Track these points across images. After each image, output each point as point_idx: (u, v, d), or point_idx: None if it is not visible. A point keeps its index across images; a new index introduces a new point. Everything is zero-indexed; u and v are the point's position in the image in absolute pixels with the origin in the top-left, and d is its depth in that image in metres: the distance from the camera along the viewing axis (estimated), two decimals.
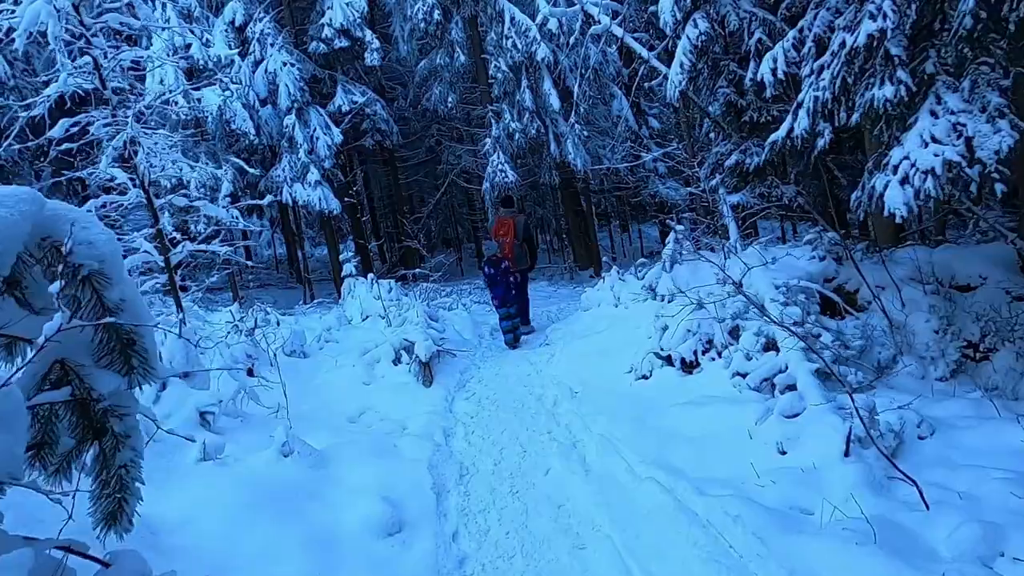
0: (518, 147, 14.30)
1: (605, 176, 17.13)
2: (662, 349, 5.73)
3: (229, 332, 8.14)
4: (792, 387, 4.36)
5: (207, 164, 12.51)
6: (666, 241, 7.23)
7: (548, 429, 5.37)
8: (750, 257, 6.00)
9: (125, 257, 6.05)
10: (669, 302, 6.55)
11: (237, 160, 12.65)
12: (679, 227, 7.11)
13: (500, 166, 14.07)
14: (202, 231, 7.04)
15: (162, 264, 6.40)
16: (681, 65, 8.56)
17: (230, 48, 13.62)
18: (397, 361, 7.64)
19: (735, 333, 5.30)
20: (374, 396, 6.86)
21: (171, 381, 5.17)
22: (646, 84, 10.69)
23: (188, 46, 12.78)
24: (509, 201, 9.55)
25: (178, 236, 6.93)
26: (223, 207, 12.62)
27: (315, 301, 14.59)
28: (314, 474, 4.42)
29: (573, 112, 12.27)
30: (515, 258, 8.70)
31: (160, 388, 5.11)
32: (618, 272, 8.02)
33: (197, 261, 8.55)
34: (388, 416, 6.37)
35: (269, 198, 9.11)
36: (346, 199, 16.11)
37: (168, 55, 11.89)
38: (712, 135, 10.05)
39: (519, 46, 13.62)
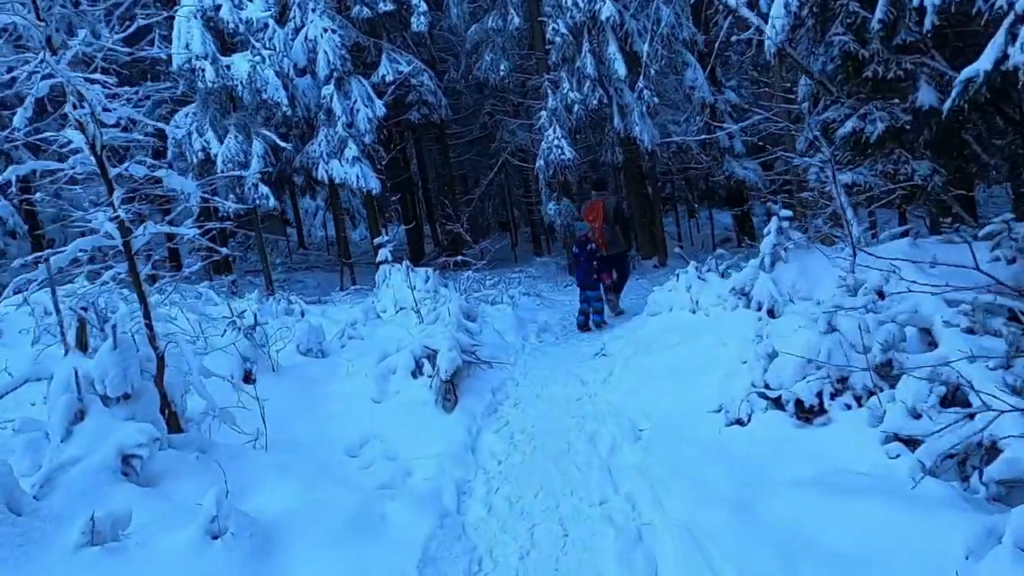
0: (577, 120, 12.51)
1: (673, 155, 15.12)
2: (768, 386, 3.97)
3: (224, 331, 6.80)
4: (1014, 484, 2.56)
5: (236, 137, 11.29)
6: (764, 232, 5.40)
7: (602, 496, 3.71)
8: (889, 253, 4.12)
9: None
10: (771, 314, 4.75)
11: (269, 133, 11.38)
12: (784, 212, 5.26)
13: (556, 142, 12.33)
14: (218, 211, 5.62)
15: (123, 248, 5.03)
16: (786, 6, 6.62)
17: (267, 11, 12.32)
18: (417, 372, 6.13)
19: (886, 371, 3.49)
20: (383, 419, 5.36)
21: (92, 409, 3.78)
22: (733, 39, 8.72)
23: (218, 7, 11.53)
24: (601, 184, 9.15)
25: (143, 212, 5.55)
26: (252, 183, 11.39)
27: (353, 287, 13.31)
28: (248, 571, 2.94)
29: (642, 77, 10.38)
30: (607, 242, 8.23)
31: (75, 419, 3.73)
32: (697, 269, 6.23)
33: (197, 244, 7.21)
34: (394, 450, 4.85)
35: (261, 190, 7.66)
36: (385, 178, 14.75)
37: (194, 16, 10.67)
38: (813, 102, 8.03)
39: (580, 5, 11.78)
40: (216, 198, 5.60)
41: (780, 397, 3.88)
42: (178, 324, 6.77)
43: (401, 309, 9.76)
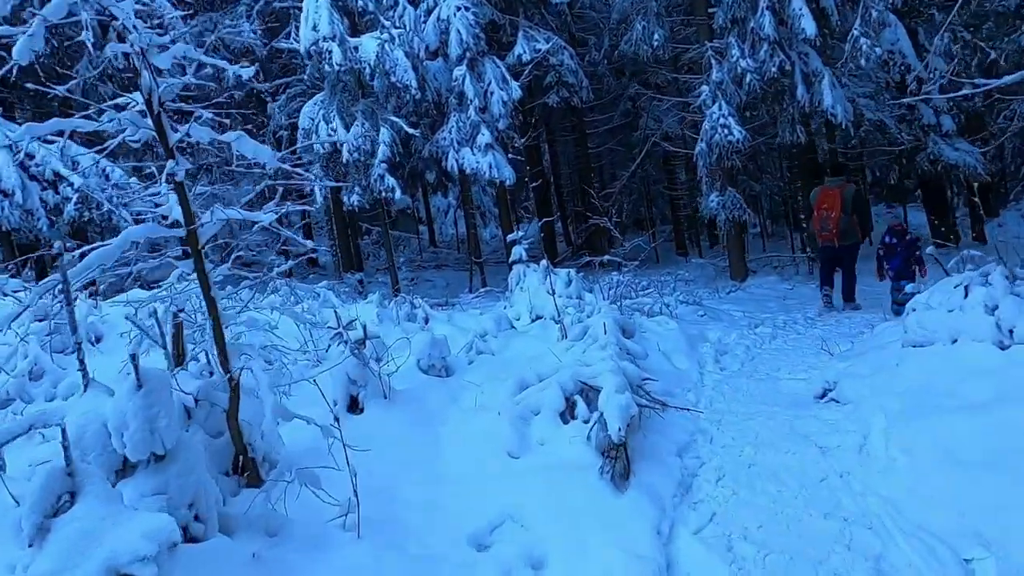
0: (749, 93, 10.21)
1: (866, 136, 12.28)
2: None
3: (329, 344, 5.44)
4: None
5: (363, 125, 10.19)
6: None
7: None
8: None
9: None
10: None
11: (397, 119, 10.17)
12: None
13: (722, 120, 10.11)
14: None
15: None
16: None
17: None
18: (568, 415, 4.39)
19: None
20: (524, 487, 3.66)
21: (85, 490, 2.37)
22: None
23: None
24: (838, 168, 8.33)
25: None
26: (379, 174, 10.21)
27: (483, 289, 11.88)
28: None
29: (859, 20, 7.90)
30: (841, 233, 7.68)
31: (58, 506, 2.34)
32: (1008, 278, 3.94)
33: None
34: (540, 547, 3.14)
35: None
36: (525, 168, 13.19)
37: None
38: None
39: None
40: (308, 175, 4.13)
41: None
42: (278, 335, 5.53)
43: (539, 318, 8.10)
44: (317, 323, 5.53)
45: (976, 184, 10.23)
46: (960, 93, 6.49)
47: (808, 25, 9.58)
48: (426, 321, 8.18)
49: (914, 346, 4.33)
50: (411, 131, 9.89)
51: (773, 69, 9.85)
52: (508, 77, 11.77)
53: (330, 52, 9.98)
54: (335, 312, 5.17)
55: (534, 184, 12.45)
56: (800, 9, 9.67)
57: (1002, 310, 3.79)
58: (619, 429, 3.51)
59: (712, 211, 10.87)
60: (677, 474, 3.69)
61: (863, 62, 9.21)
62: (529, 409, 4.45)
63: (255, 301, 6.13)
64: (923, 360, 4.12)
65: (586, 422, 4.25)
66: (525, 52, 12.13)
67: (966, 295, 4.08)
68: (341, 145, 10.06)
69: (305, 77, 11.26)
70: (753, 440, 4.06)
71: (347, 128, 10.17)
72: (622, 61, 14.43)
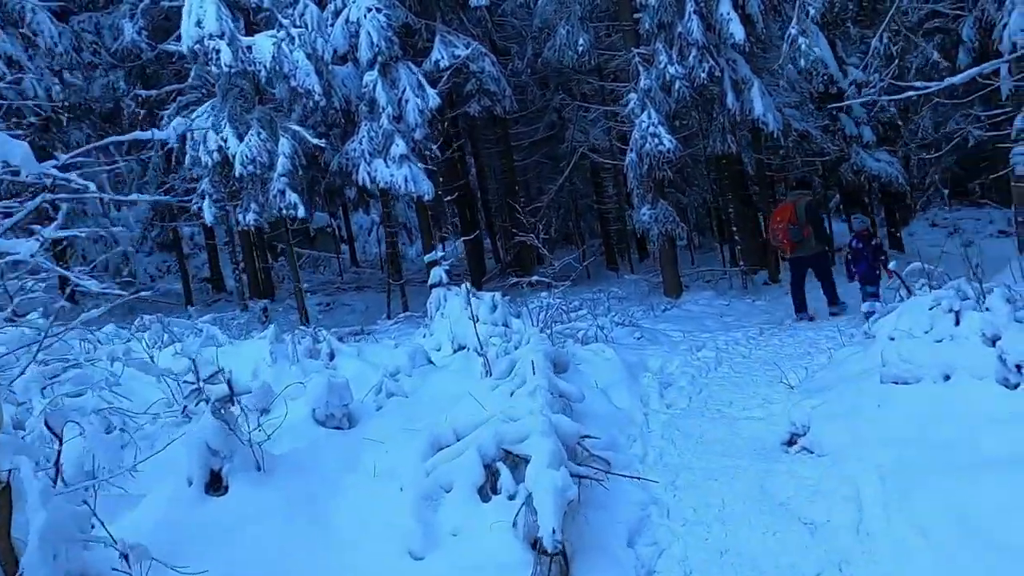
0: (679, 101, 9.66)
1: (794, 145, 12.04)
2: None
3: (188, 402, 4.26)
4: None
5: (259, 134, 8.97)
6: None
7: None
8: None
9: None
10: None
11: (298, 128, 9.01)
12: None
13: (652, 129, 9.50)
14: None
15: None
16: None
17: None
18: (489, 489, 3.43)
19: None
20: None
21: None
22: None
23: None
24: (804, 183, 8.77)
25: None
26: (279, 189, 8.99)
27: (404, 314, 10.78)
28: None
29: (795, 21, 7.42)
30: (793, 243, 7.79)
31: None
32: (1010, 300, 3.28)
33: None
34: None
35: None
36: (449, 182, 12.24)
37: None
38: None
39: None
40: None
41: None
42: (120, 393, 4.32)
43: (461, 348, 7.14)
44: (168, 374, 4.33)
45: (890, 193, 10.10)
46: (903, 96, 6.04)
47: (736, 30, 9.14)
48: (331, 357, 7.08)
49: (896, 382, 3.63)
50: (316, 141, 8.75)
51: (703, 75, 9.34)
52: (425, 84, 10.82)
53: (218, 52, 8.72)
54: (192, 361, 4.02)
55: (449, 199, 11.49)
56: (728, 14, 9.22)
57: (1006, 341, 3.12)
58: (553, 531, 2.57)
59: (644, 225, 10.24)
60: (631, 573, 2.78)
61: (802, 62, 8.81)
62: (440, 485, 3.46)
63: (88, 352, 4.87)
64: (911, 401, 3.41)
65: (511, 498, 3.31)
66: (443, 58, 11.23)
67: (957, 321, 3.40)
68: (233, 157, 8.79)
69: (191, 80, 9.92)
70: (719, 512, 3.22)
71: (240, 138, 8.92)
72: (547, 71, 13.77)
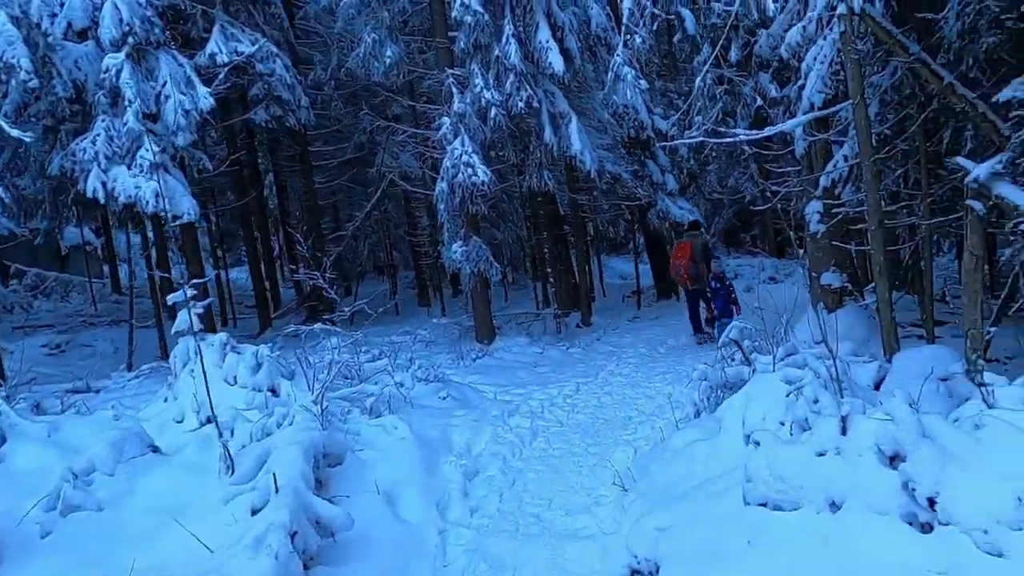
0: (495, 130, 8.70)
1: (607, 188, 11.76)
2: None
3: None
4: None
5: None
6: None
7: None
8: None
9: None
10: None
11: None
12: None
13: (465, 158, 8.41)
14: None
15: None
16: None
17: None
18: None
19: None
20: None
21: None
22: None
23: None
24: (695, 225, 9.77)
25: None
26: None
27: (151, 365, 8.36)
28: None
29: (622, 46, 6.75)
30: (691, 277, 8.76)
31: None
32: (904, 394, 2.46)
33: None
34: None
35: None
36: (223, 200, 10.04)
37: None
38: None
39: None
40: None
41: None
42: None
43: (209, 421, 5.37)
44: None
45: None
46: (725, 140, 5.55)
47: (556, 60, 8.45)
48: (2, 442, 4.85)
49: (765, 505, 2.68)
50: (14, 132, 6.29)
51: (520, 104, 8.49)
52: (196, 81, 8.69)
53: None
54: None
55: (205, 225, 9.38)
56: (547, 42, 8.52)
57: (913, 464, 2.26)
58: None
59: (455, 263, 9.07)
60: None
61: (628, 93, 8.30)
62: None
63: None
64: (792, 540, 2.45)
65: None
66: (221, 52, 9.17)
67: (844, 430, 2.53)
68: None
69: None
70: None
71: None
72: (355, 85, 12.22)
